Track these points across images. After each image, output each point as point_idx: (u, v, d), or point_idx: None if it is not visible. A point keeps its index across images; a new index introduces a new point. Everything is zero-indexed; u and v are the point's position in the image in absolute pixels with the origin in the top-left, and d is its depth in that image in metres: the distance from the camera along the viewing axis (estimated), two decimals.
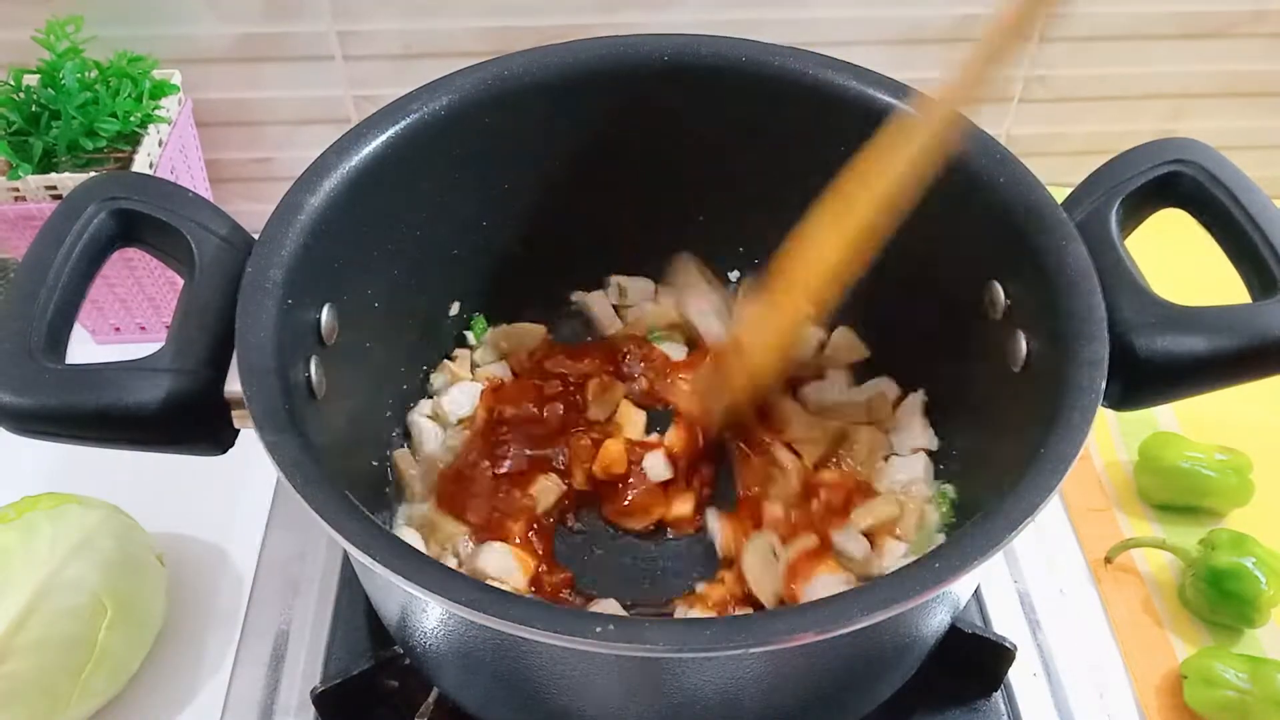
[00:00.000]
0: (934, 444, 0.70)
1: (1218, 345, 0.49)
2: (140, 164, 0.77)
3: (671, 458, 0.70)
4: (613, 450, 0.70)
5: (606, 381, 0.74)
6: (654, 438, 0.72)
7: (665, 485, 0.70)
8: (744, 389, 0.67)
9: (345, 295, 0.60)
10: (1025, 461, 0.47)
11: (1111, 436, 0.81)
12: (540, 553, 0.66)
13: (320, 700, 0.61)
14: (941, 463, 0.69)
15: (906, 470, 0.69)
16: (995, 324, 0.59)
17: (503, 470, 0.69)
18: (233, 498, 0.76)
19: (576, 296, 0.79)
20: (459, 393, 0.73)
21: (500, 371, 0.75)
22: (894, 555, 0.65)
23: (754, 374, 0.65)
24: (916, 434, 0.71)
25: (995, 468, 0.58)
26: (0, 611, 0.58)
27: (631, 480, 0.70)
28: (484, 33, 0.86)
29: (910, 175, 0.55)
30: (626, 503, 0.69)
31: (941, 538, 0.66)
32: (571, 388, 0.74)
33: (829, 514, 0.66)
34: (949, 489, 0.68)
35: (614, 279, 0.79)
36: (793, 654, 0.46)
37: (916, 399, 0.72)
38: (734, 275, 0.78)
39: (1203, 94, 0.95)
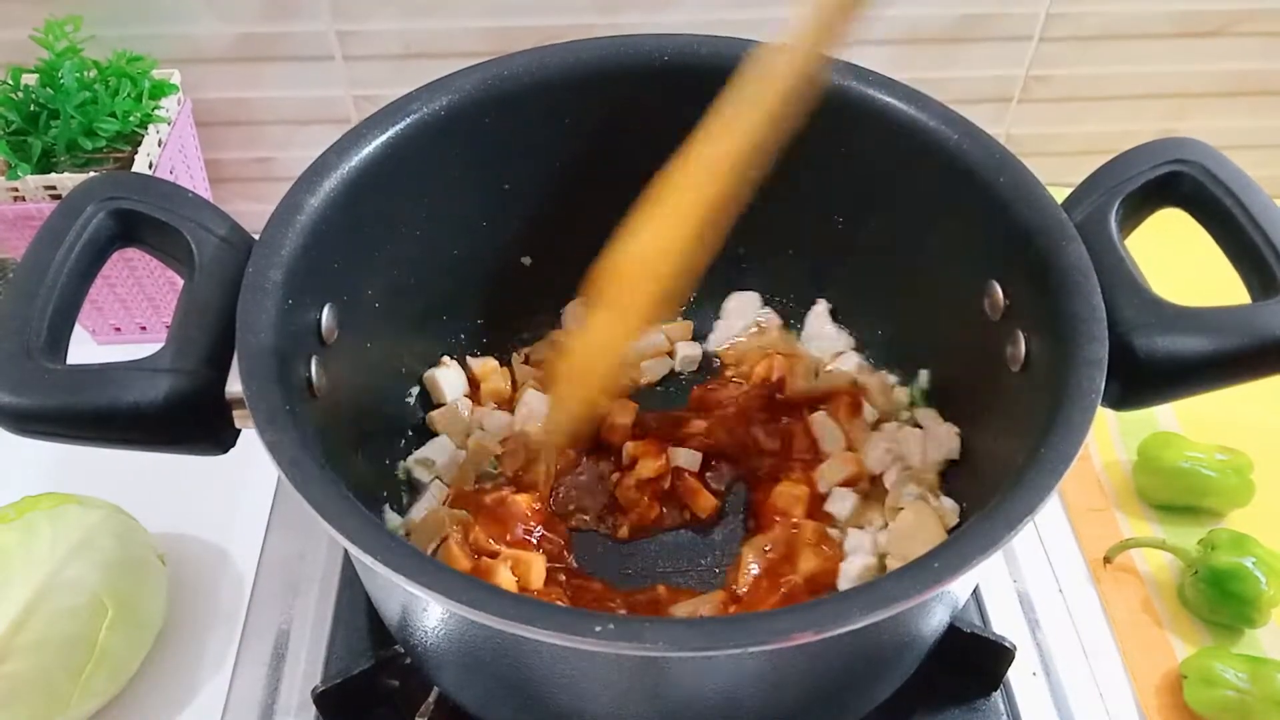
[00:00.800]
0: (851, 344, 0.74)
1: (1218, 345, 0.49)
2: (140, 164, 0.77)
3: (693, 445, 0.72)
4: (652, 465, 0.70)
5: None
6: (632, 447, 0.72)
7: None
8: (585, 409, 0.61)
9: (345, 295, 0.60)
10: (1025, 461, 0.47)
11: (1111, 436, 0.81)
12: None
13: (321, 700, 0.61)
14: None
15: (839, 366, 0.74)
16: (995, 324, 0.59)
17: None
18: (233, 498, 0.76)
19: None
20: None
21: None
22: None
23: (591, 394, 0.60)
24: (831, 339, 0.75)
25: (995, 467, 0.58)
26: (0, 611, 0.58)
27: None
28: (484, 33, 0.86)
29: (767, 133, 0.51)
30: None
31: (925, 411, 0.69)
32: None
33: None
34: (923, 375, 0.70)
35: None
36: (792, 654, 0.46)
37: (821, 306, 0.76)
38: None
39: (1203, 94, 0.95)
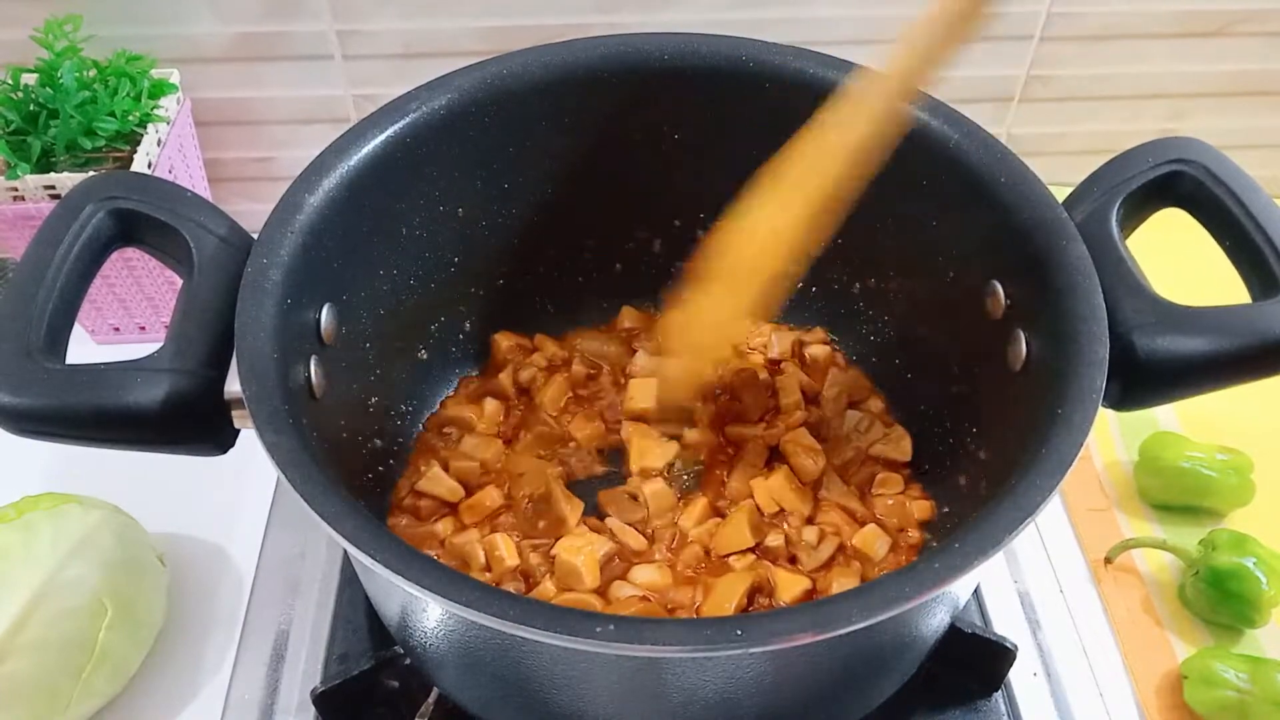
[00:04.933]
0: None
1: (1218, 345, 0.49)
2: (139, 163, 0.77)
3: None
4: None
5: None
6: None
7: None
8: (687, 389, 0.66)
9: (345, 295, 0.60)
10: (1025, 461, 0.47)
11: (1111, 436, 0.81)
12: None
13: (321, 700, 0.61)
14: (942, 465, 0.69)
15: None
16: (995, 324, 0.59)
17: None
18: (233, 498, 0.76)
19: None
20: None
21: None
22: None
23: (693, 374, 0.64)
24: None
25: (995, 468, 0.58)
26: (0, 611, 0.58)
27: None
28: (484, 33, 0.86)
29: (860, 154, 0.52)
30: None
31: None
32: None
33: None
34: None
35: None
36: (792, 654, 0.46)
37: None
38: None
39: (1203, 94, 0.95)
